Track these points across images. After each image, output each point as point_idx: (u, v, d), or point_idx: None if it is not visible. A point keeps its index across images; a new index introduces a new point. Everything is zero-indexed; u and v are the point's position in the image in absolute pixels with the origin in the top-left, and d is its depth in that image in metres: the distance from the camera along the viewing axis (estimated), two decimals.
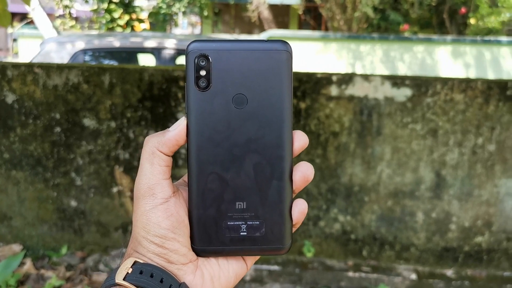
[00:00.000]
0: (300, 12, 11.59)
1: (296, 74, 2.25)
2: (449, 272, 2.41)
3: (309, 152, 2.33)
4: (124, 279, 0.47)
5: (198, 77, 0.49)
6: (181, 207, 0.50)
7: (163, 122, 2.33)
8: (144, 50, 4.05)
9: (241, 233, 0.51)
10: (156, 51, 3.96)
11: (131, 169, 2.40)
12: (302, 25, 15.64)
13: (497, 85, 2.23)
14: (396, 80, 2.26)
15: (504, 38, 8.86)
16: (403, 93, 2.26)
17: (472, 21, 10.60)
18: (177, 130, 0.50)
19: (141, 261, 0.48)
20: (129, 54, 4.11)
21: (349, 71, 8.67)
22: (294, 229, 0.53)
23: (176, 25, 11.79)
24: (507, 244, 2.41)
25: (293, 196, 0.52)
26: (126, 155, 2.38)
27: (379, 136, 2.30)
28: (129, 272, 0.47)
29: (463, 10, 10.45)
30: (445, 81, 2.25)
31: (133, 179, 2.40)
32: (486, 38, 8.96)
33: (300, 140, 0.52)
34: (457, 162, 2.31)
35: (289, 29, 14.99)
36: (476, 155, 2.30)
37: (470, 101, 2.25)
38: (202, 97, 0.49)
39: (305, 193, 2.38)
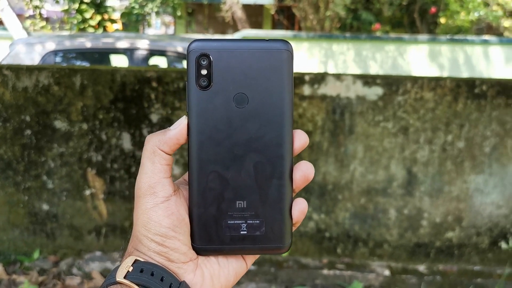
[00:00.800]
0: (273, 12, 11.63)
1: None
2: (421, 268, 2.46)
3: None
4: (124, 278, 0.47)
5: (199, 76, 0.49)
6: (181, 205, 0.51)
7: (136, 123, 2.31)
8: (116, 51, 4.01)
9: (241, 232, 0.51)
10: (128, 52, 3.93)
11: (104, 171, 2.37)
12: (275, 25, 15.70)
13: (465, 83, 2.28)
14: (368, 79, 2.29)
15: (475, 38, 9.06)
16: (375, 92, 2.29)
17: (442, 20, 10.81)
18: (178, 129, 0.50)
19: (142, 260, 0.49)
20: (101, 55, 4.07)
21: (322, 70, 8.74)
22: (294, 228, 0.54)
23: (149, 25, 11.68)
24: (476, 239, 2.47)
25: (293, 195, 0.53)
26: (99, 157, 2.35)
27: (352, 134, 2.33)
28: (130, 270, 0.47)
29: (433, 9, 10.66)
30: (415, 79, 2.29)
31: (106, 182, 2.38)
32: (456, 37, 9.15)
33: (301, 139, 0.53)
34: (428, 159, 2.36)
35: (262, 29, 15.03)
36: (446, 152, 2.35)
37: (440, 99, 2.29)
38: (203, 96, 0.50)
39: None
